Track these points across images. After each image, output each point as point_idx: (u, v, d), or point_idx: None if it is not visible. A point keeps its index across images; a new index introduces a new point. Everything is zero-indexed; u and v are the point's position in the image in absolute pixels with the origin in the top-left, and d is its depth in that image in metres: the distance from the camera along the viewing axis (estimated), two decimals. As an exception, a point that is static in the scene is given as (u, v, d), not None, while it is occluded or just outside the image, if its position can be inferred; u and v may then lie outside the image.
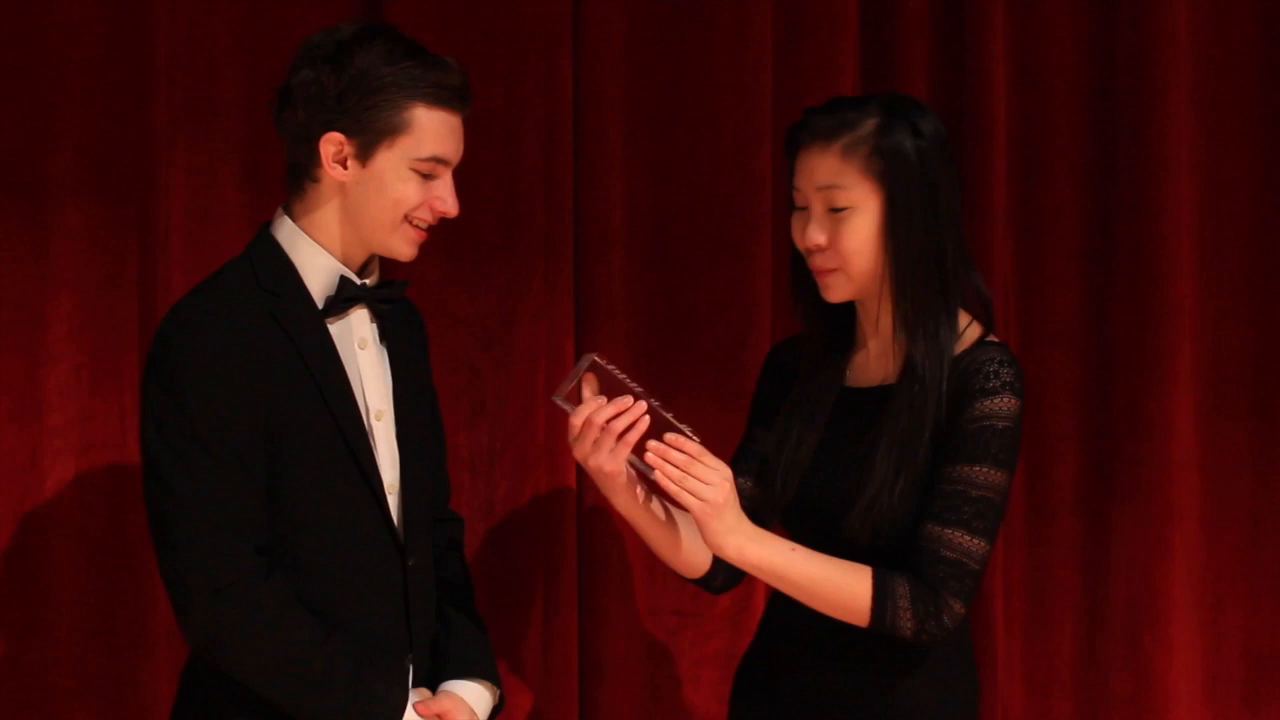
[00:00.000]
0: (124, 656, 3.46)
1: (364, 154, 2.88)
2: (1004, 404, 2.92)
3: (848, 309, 3.03)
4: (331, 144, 2.88)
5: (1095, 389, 3.88)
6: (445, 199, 2.92)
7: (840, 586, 2.88)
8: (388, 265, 3.07)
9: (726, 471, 2.82)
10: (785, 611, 3.01)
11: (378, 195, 2.90)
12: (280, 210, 2.96)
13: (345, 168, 2.89)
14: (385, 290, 2.99)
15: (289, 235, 2.94)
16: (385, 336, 3.00)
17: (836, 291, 2.97)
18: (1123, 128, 3.87)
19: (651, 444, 2.79)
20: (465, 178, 3.61)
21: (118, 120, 3.47)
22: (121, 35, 3.47)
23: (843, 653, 2.96)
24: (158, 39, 3.48)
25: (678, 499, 2.82)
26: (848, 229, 2.94)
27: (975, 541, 2.89)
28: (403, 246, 2.93)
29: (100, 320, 3.47)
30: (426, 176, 2.90)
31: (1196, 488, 3.88)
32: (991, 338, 3.00)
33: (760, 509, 3.00)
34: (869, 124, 2.94)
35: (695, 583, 3.05)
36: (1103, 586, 3.87)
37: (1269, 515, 3.93)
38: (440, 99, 2.90)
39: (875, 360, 3.02)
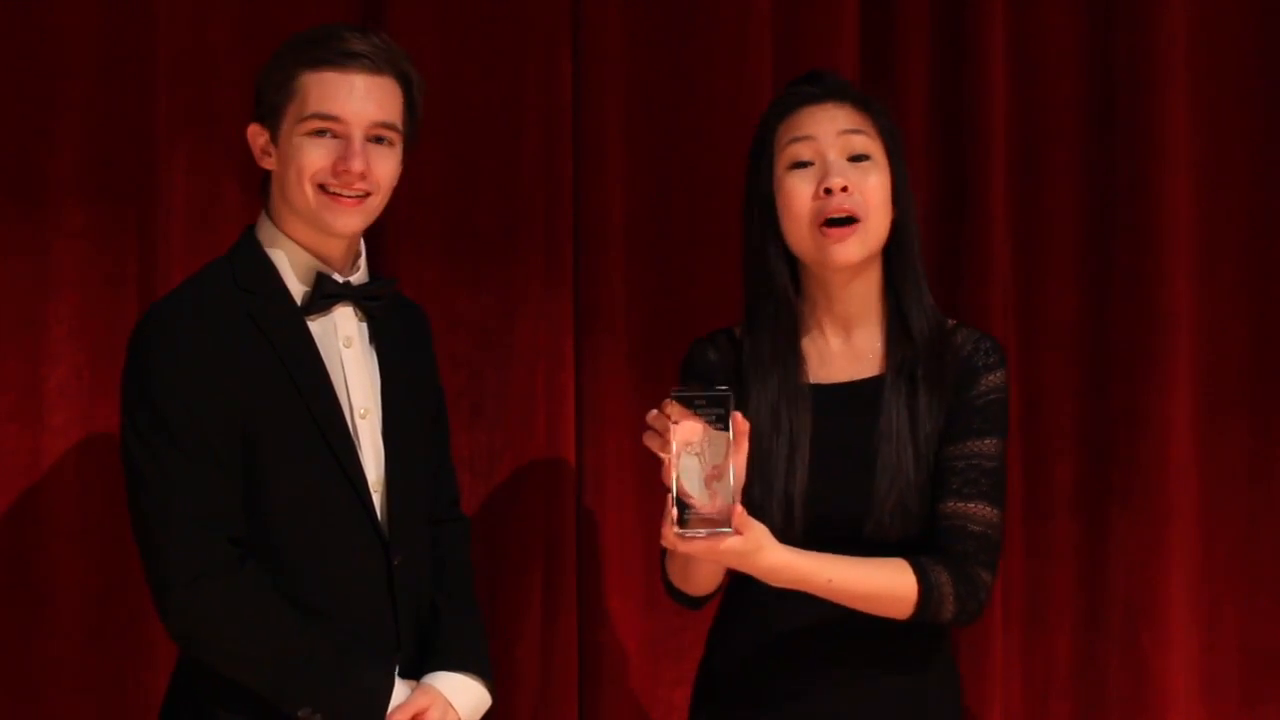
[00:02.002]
0: (124, 656, 3.46)
1: (275, 135, 2.94)
2: (1001, 377, 3.02)
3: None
4: (252, 136, 2.97)
5: (1093, 389, 3.88)
6: (345, 158, 2.90)
7: (884, 585, 2.90)
8: (376, 264, 3.08)
9: (748, 527, 2.78)
10: (757, 622, 2.99)
11: (286, 170, 2.94)
12: (262, 211, 3.00)
13: (271, 156, 2.95)
14: (369, 288, 2.99)
15: (269, 234, 2.98)
16: (377, 335, 3.01)
17: (853, 249, 2.96)
18: (1121, 128, 3.87)
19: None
20: (466, 178, 3.64)
21: (118, 120, 3.48)
22: (121, 35, 3.48)
23: (827, 665, 2.96)
24: (158, 39, 3.49)
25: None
26: (872, 180, 2.97)
27: (995, 511, 2.97)
28: (329, 217, 2.93)
29: (100, 320, 3.47)
30: (320, 135, 2.91)
31: (1194, 487, 3.88)
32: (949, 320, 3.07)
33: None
34: (860, 95, 3.03)
35: (685, 602, 3.05)
36: (1100, 586, 3.87)
37: (1266, 514, 3.93)
38: (320, 59, 2.92)
39: (838, 352, 3.03)
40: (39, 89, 3.45)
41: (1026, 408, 3.85)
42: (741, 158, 3.67)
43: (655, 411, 2.75)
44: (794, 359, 3.02)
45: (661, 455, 2.73)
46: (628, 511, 3.66)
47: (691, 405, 2.72)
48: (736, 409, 2.82)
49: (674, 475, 2.72)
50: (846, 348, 3.03)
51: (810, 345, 3.04)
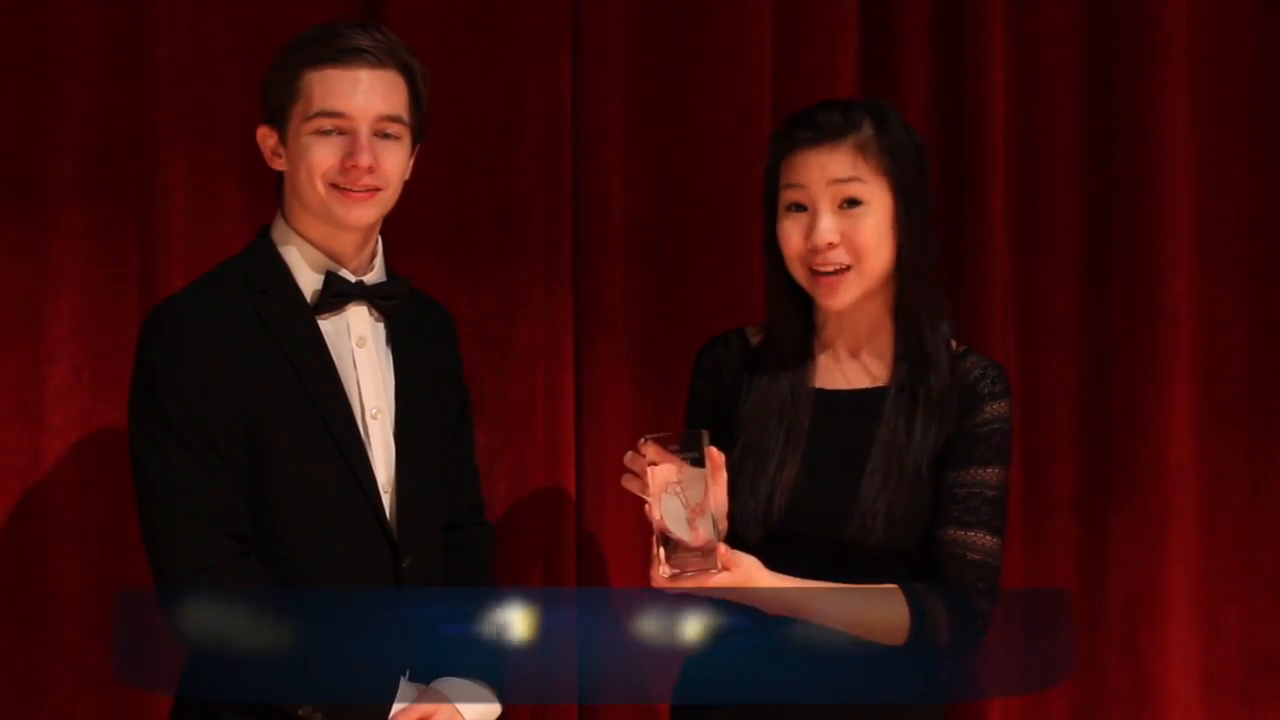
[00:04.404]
0: (124, 656, 3.47)
1: (284, 136, 2.96)
2: (1005, 407, 3.02)
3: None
4: (262, 138, 2.98)
5: (1093, 389, 3.89)
6: (353, 154, 2.91)
7: (876, 613, 2.91)
8: (394, 264, 3.09)
9: (735, 563, 2.81)
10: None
11: (296, 169, 2.94)
12: (278, 211, 3.02)
13: (281, 157, 2.96)
14: (383, 287, 3.00)
15: (282, 234, 2.99)
16: (395, 335, 3.01)
17: (846, 293, 2.97)
18: (1120, 128, 3.88)
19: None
20: (466, 177, 3.64)
21: (118, 120, 3.48)
22: (121, 35, 3.48)
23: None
24: (158, 39, 3.48)
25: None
26: (865, 225, 2.96)
27: (995, 540, 2.97)
28: (340, 211, 2.94)
29: (100, 320, 3.47)
30: (327, 134, 2.92)
31: (1193, 487, 3.89)
32: (954, 343, 3.06)
33: (737, 525, 2.95)
34: (868, 124, 2.98)
35: None
36: (1100, 586, 3.88)
37: (1265, 514, 3.94)
38: (323, 57, 2.93)
39: (847, 362, 3.04)
40: (39, 89, 3.45)
41: (1026, 407, 3.85)
42: (741, 159, 3.70)
43: (631, 454, 2.79)
44: (805, 363, 3.03)
45: (643, 497, 2.77)
46: (627, 511, 3.65)
47: (667, 447, 2.75)
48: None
49: (656, 517, 2.75)
50: (855, 360, 3.05)
51: (821, 354, 3.05)
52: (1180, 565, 3.86)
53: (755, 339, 3.10)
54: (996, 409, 3.00)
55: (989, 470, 2.98)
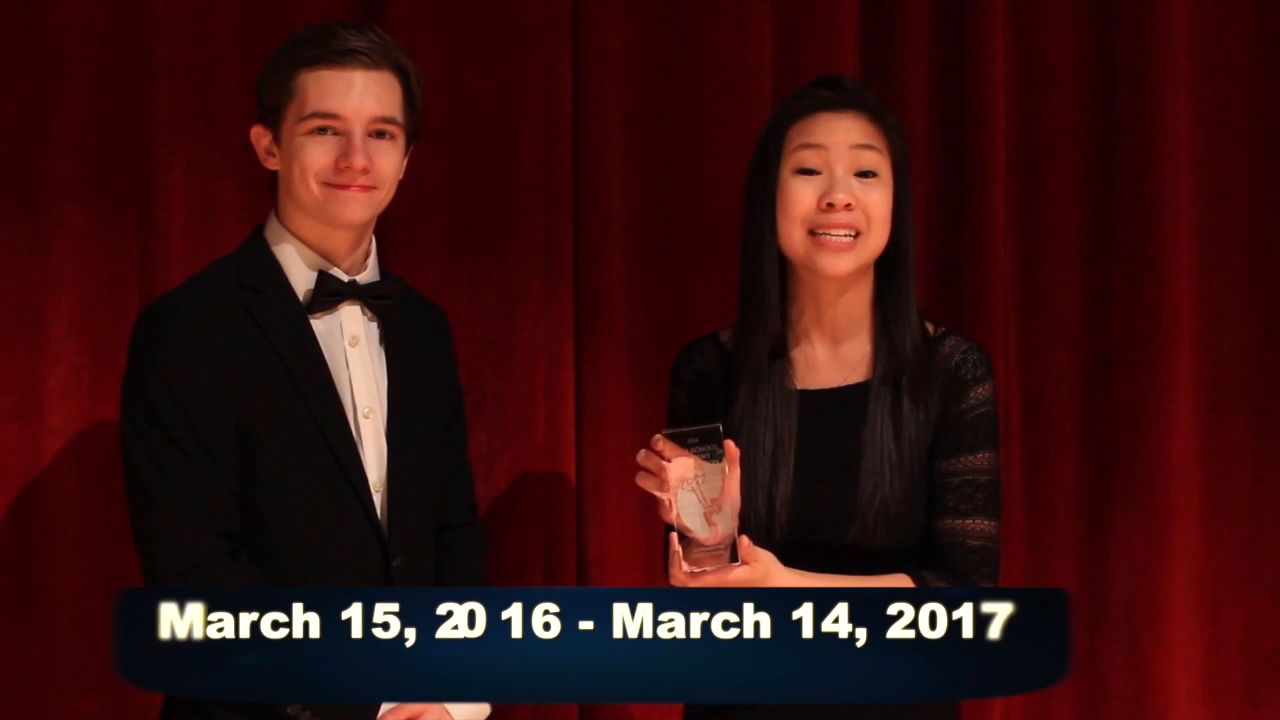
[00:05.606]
0: (124, 656, 3.47)
1: (277, 136, 2.96)
2: (989, 389, 3.02)
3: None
4: (256, 138, 3.00)
5: (1095, 388, 3.88)
6: (347, 154, 2.92)
7: None
8: (393, 263, 3.09)
9: (754, 556, 2.80)
10: None
11: (290, 168, 2.95)
12: (271, 211, 3.02)
13: (275, 156, 2.97)
14: (376, 287, 3.00)
15: (275, 233, 3.00)
16: (388, 335, 3.01)
17: (845, 262, 2.96)
18: (1122, 127, 3.87)
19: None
20: (466, 178, 3.64)
21: (118, 120, 3.48)
22: (121, 35, 3.48)
23: None
24: (158, 39, 3.49)
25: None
26: (877, 195, 2.97)
27: (992, 524, 2.99)
28: (335, 207, 2.94)
29: (100, 320, 3.47)
30: (320, 133, 2.93)
31: (1196, 487, 3.88)
32: (931, 326, 3.07)
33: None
34: (875, 105, 3.01)
35: None
36: (1102, 586, 3.87)
37: (1268, 514, 3.93)
38: (317, 58, 2.93)
39: (826, 358, 3.04)
40: (39, 89, 3.45)
41: (1028, 407, 3.85)
42: (741, 158, 3.68)
43: (645, 451, 2.78)
44: (782, 363, 3.03)
45: (658, 495, 2.76)
46: (628, 511, 3.66)
47: (683, 442, 2.74)
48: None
49: (674, 513, 2.74)
50: (833, 355, 3.04)
51: (798, 352, 3.05)
52: (1182, 565, 3.86)
53: (730, 344, 3.10)
54: (981, 393, 3.01)
55: (980, 456, 2.99)
